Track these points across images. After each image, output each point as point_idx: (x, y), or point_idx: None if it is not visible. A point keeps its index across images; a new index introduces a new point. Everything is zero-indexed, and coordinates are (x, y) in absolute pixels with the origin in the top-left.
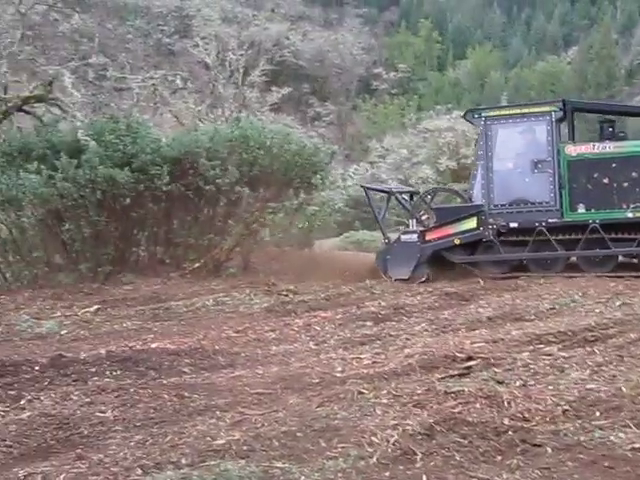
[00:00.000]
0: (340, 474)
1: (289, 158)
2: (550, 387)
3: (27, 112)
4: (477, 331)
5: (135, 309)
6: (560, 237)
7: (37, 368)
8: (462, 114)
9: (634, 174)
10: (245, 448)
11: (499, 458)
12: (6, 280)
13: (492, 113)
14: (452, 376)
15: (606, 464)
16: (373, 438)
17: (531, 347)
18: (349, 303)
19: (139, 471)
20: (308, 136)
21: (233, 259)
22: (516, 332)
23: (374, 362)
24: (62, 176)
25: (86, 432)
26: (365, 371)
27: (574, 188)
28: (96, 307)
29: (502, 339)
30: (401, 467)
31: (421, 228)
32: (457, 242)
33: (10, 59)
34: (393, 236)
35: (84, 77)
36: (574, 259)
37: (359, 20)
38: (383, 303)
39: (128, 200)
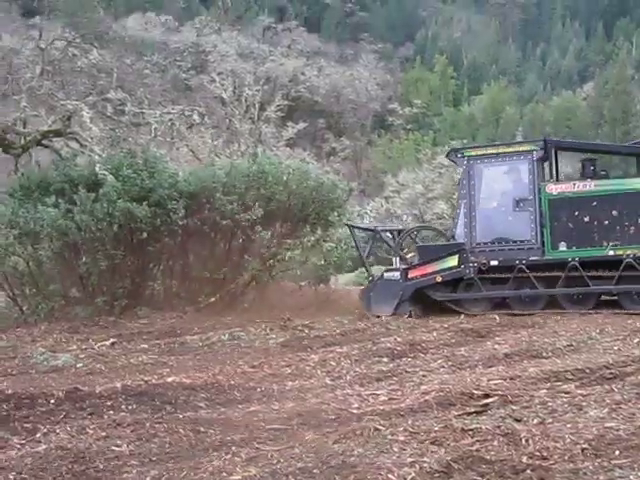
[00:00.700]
0: None
1: (307, 194)
2: (568, 425)
3: (46, 146)
4: (494, 368)
5: (151, 343)
6: (541, 275)
7: (53, 401)
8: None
9: (614, 212)
10: None
11: None
12: (23, 313)
13: (474, 152)
14: (469, 413)
15: None
16: (390, 475)
17: (548, 384)
18: (365, 339)
19: None
20: (324, 171)
21: (249, 294)
22: (533, 369)
23: (390, 398)
24: (80, 210)
25: (102, 466)
26: (381, 407)
27: (555, 226)
28: (112, 340)
29: (519, 376)
30: None
31: (404, 266)
32: (439, 280)
33: (29, 94)
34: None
35: (102, 112)
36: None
37: (374, 56)
38: (399, 339)
39: (145, 234)
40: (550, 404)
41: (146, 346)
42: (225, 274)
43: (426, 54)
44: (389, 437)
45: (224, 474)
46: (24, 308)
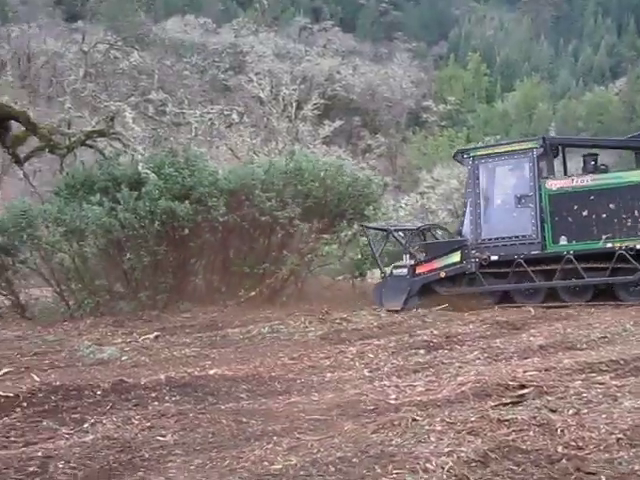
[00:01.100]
0: None
1: (342, 190)
2: (603, 415)
3: (90, 146)
4: (529, 359)
5: (193, 336)
6: (542, 268)
7: (99, 393)
8: (452, 155)
9: (611, 205)
10: (302, 473)
11: None
12: (69, 308)
13: (479, 153)
14: (505, 404)
15: None
16: (428, 465)
17: (583, 376)
18: (401, 331)
19: None
20: (360, 168)
21: (288, 288)
22: (568, 361)
23: (427, 390)
24: (123, 208)
25: (147, 455)
26: (419, 398)
27: (556, 221)
28: (155, 334)
29: (554, 367)
30: None
31: (412, 262)
32: (442, 275)
33: (73, 95)
34: None
35: (144, 112)
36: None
37: (408, 54)
38: (435, 331)
39: (186, 230)
40: (585, 395)
41: (188, 339)
42: (265, 269)
43: (459, 52)
44: (426, 427)
45: (266, 463)
46: (70, 303)
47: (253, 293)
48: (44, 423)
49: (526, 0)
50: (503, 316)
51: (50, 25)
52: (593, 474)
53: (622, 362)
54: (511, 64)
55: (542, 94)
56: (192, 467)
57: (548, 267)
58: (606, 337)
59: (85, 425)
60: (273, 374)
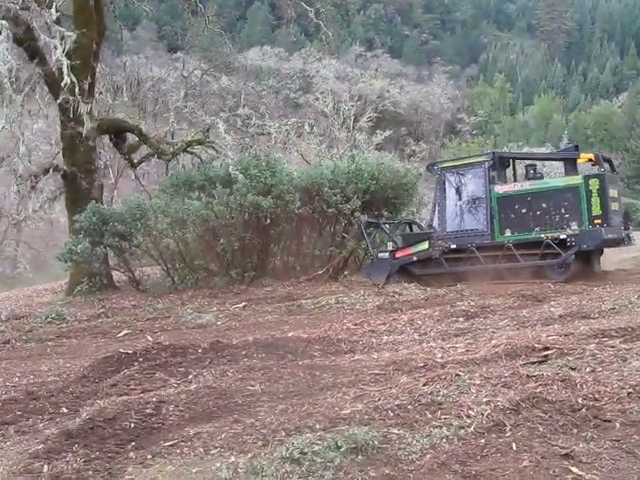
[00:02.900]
0: (444, 440)
1: (386, 182)
2: (615, 373)
3: (190, 152)
4: (551, 326)
5: (274, 306)
6: (490, 254)
7: (200, 351)
8: (425, 167)
9: (543, 205)
10: (367, 417)
11: (575, 431)
12: (174, 282)
13: (445, 165)
14: (532, 363)
15: None
16: (470, 411)
17: (597, 340)
18: (444, 303)
19: (283, 433)
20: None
21: (349, 267)
22: (584, 327)
23: (467, 350)
24: (217, 202)
25: (240, 401)
26: (460, 357)
27: (502, 217)
28: (244, 304)
29: (572, 333)
30: (494, 435)
31: (391, 248)
32: (415, 259)
33: (176, 112)
34: None
35: (233, 125)
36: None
37: (445, 75)
38: (472, 303)
39: (268, 220)
40: (599, 356)
41: (270, 308)
42: (331, 251)
43: (487, 73)
44: (467, 381)
45: (337, 409)
46: (175, 279)
47: (321, 271)
48: (157, 375)
49: (543, 29)
50: (528, 291)
51: (155, 56)
52: (609, 421)
53: (630, 329)
54: (530, 82)
55: (556, 107)
56: (277, 411)
57: (495, 253)
58: (615, 308)
59: (189, 377)
60: (340, 337)
